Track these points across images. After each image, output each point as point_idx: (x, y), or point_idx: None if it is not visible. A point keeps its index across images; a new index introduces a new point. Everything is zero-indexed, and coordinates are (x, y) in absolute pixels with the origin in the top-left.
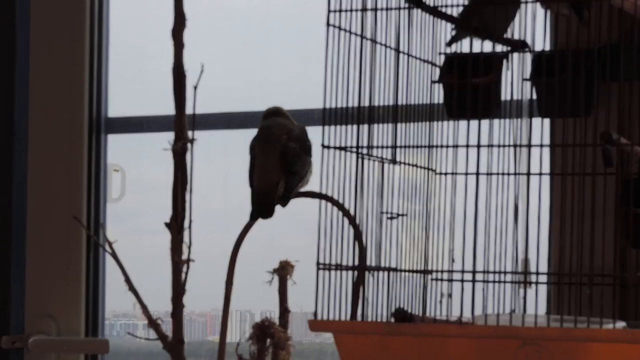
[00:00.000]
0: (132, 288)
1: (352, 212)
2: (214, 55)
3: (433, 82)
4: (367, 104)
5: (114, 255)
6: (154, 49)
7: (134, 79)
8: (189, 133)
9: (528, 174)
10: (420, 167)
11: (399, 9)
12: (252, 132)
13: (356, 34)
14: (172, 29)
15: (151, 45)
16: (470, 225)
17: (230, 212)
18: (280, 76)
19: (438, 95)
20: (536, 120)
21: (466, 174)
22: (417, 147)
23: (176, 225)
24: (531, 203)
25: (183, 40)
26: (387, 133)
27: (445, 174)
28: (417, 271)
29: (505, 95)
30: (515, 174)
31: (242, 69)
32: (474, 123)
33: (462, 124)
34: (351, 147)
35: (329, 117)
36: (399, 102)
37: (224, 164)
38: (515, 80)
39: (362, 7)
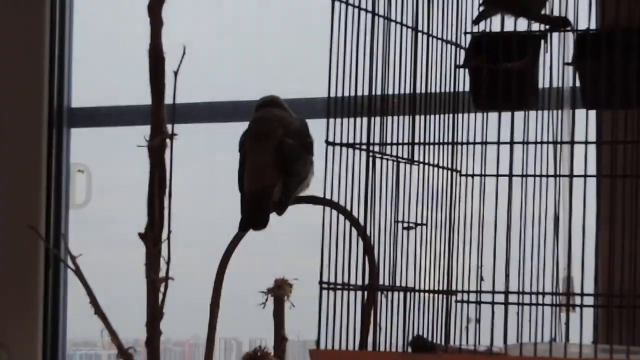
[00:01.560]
0: (98, 311)
1: (361, 221)
2: (198, 34)
3: (457, 66)
4: (379, 92)
5: (77, 272)
6: (127, 28)
7: (102, 63)
8: (168, 127)
9: (570, 175)
10: (443, 167)
11: None
12: (242, 126)
13: (367, 10)
14: (148, 4)
15: (123, 23)
16: (502, 237)
17: (216, 221)
18: (276, 59)
19: (463, 82)
20: (580, 113)
21: (497, 175)
22: (439, 144)
23: (152, 236)
24: (574, 210)
25: (161, 17)
26: (404, 127)
27: (472, 175)
28: (438, 292)
29: (543, 82)
30: (555, 175)
31: (231, 51)
32: (506, 115)
33: (492, 116)
34: (361, 143)
35: (335, 108)
36: (417, 91)
37: (209, 163)
38: (554, 64)
39: None
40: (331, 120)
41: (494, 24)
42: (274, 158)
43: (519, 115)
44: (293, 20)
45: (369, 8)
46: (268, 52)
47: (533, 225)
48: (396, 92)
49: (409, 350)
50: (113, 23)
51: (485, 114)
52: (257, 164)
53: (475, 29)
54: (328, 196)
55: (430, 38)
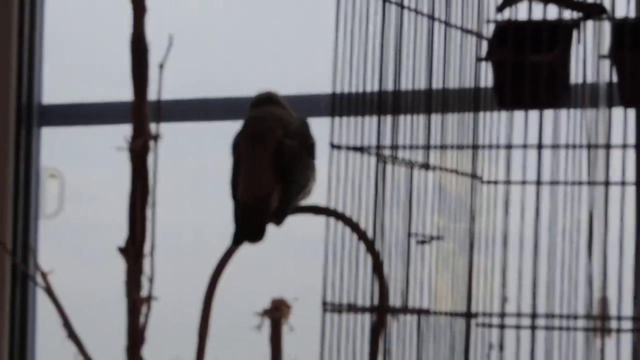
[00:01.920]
0: (72, 335)
1: (369, 234)
2: (187, 23)
3: (479, 59)
4: (390, 88)
5: (48, 290)
6: (106, 15)
7: (77, 55)
8: (153, 126)
9: (606, 183)
10: (462, 173)
11: None
12: (236, 126)
13: None
14: None
15: (102, 10)
16: (529, 252)
17: (206, 233)
18: (274, 51)
19: (486, 77)
20: (617, 111)
21: (523, 182)
22: (458, 147)
23: (133, 250)
24: (611, 222)
25: (145, 3)
26: (418, 128)
27: (495, 182)
28: (457, 314)
29: (575, 77)
30: (589, 183)
31: (224, 42)
32: (533, 115)
33: (518, 116)
34: (370, 146)
35: (340, 106)
36: (434, 87)
37: (198, 168)
38: (589, 57)
39: None
40: (336, 120)
41: (521, 11)
42: (272, 162)
43: (549, 114)
44: (293, 7)
45: None
46: (265, 42)
47: (564, 240)
48: (410, 87)
49: None
50: (90, 9)
51: (510, 113)
52: (253, 168)
53: (499, 17)
54: (332, 206)
55: (449, 27)
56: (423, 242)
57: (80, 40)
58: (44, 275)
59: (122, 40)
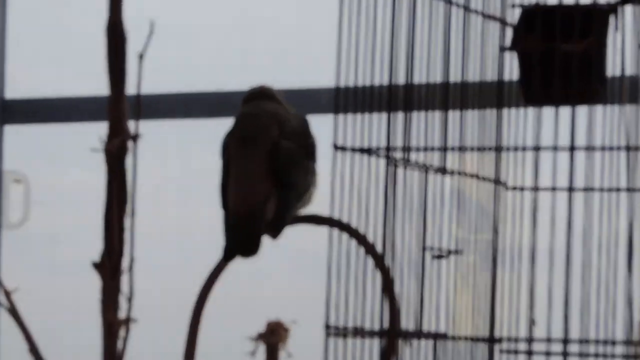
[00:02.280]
0: None
1: (379, 247)
2: (171, 7)
3: (503, 49)
4: (402, 81)
5: (12, 310)
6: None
7: (45, 44)
8: (131, 124)
9: None
10: (484, 178)
11: None
12: (225, 124)
13: None
14: None
15: None
16: (560, 268)
17: (192, 245)
18: (269, 39)
19: (510, 69)
20: None
21: (553, 189)
22: (479, 149)
23: (109, 265)
24: None
25: None
26: (433, 127)
27: (522, 189)
28: (478, 339)
29: (613, 69)
30: (628, 189)
31: (212, 29)
32: (564, 112)
33: (547, 113)
34: (378, 148)
35: (345, 101)
36: (451, 80)
37: (183, 171)
38: (628, 46)
39: None
40: (340, 118)
41: None
42: (267, 166)
43: (582, 111)
44: None
45: None
46: (259, 28)
47: (600, 254)
48: (424, 80)
49: None
50: None
51: (538, 110)
52: (245, 173)
53: (526, 1)
54: (336, 215)
55: (468, 12)
56: (439, 257)
57: (49, 26)
58: (7, 294)
59: (97, 26)
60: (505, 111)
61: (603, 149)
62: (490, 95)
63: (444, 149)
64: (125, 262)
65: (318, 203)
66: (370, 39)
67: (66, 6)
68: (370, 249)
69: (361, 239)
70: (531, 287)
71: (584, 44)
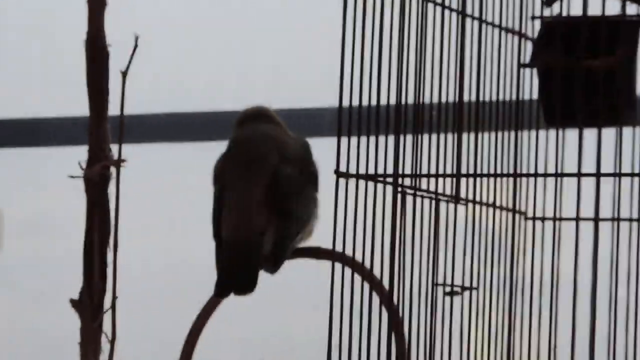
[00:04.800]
0: None
1: (386, 283)
2: (157, 20)
3: (522, 65)
4: (411, 101)
5: None
6: (57, 10)
7: (19, 60)
8: (114, 149)
9: None
10: (501, 208)
11: None
12: (219, 147)
13: None
14: None
15: (52, 3)
16: (585, 304)
17: (181, 280)
18: (265, 55)
19: (530, 86)
20: None
21: (577, 219)
22: (495, 175)
23: (90, 304)
24: None
25: None
26: (445, 151)
27: (543, 219)
28: None
29: None
30: None
31: (204, 43)
32: (589, 135)
33: (571, 136)
34: (385, 175)
35: (349, 123)
36: (465, 99)
37: (170, 198)
38: None
39: None
40: (343, 141)
41: (574, 5)
42: (265, 194)
43: (609, 134)
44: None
45: None
46: (254, 42)
47: (628, 288)
48: (435, 100)
49: None
50: (37, 5)
51: (560, 132)
52: (241, 202)
53: (547, 13)
54: (339, 248)
55: (484, 25)
56: (452, 294)
57: (24, 40)
58: None
59: (76, 41)
60: (524, 133)
61: (632, 175)
62: (507, 116)
63: (457, 176)
64: (107, 300)
65: (319, 234)
66: (376, 54)
67: (41, 19)
68: (376, 285)
69: (366, 275)
70: (553, 325)
71: (611, 59)
